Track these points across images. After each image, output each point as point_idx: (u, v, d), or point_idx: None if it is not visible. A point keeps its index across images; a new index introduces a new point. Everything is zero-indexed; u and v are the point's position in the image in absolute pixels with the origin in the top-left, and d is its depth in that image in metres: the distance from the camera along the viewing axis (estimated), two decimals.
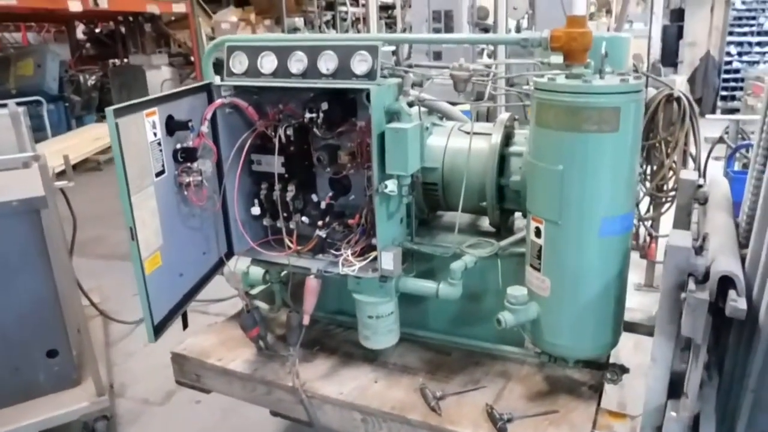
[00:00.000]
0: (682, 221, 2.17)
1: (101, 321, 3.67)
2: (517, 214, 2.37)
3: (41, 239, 2.62)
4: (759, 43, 11.08)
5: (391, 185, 1.92)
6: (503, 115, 2.25)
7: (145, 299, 1.77)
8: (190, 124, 1.93)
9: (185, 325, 2.14)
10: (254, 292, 2.55)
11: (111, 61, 12.66)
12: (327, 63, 1.95)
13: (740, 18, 11.15)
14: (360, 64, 1.90)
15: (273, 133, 2.16)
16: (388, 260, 2.01)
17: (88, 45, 13.09)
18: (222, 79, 2.12)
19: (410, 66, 2.05)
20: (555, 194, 1.77)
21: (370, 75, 1.90)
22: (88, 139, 8.77)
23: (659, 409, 1.67)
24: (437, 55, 4.85)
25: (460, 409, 1.97)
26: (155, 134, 1.82)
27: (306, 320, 2.12)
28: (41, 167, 2.58)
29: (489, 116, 3.54)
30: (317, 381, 2.14)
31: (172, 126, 1.90)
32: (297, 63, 2.00)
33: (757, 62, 10.76)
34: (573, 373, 2.13)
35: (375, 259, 2.07)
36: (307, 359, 2.26)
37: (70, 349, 2.80)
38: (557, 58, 2.00)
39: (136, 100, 1.74)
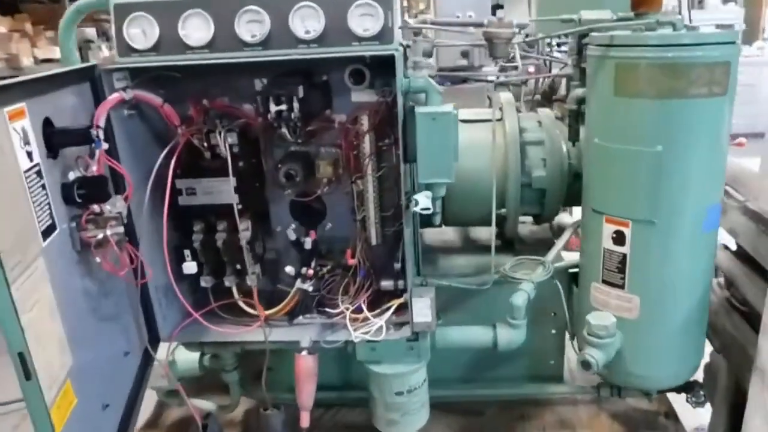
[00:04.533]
0: None
1: None
2: (522, 218, 1.90)
3: None
4: None
5: (423, 200, 1.29)
6: (505, 95, 1.77)
7: None
8: (93, 132, 1.06)
9: None
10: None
11: None
12: (306, 22, 1.25)
13: None
14: (363, 20, 1.24)
15: (204, 144, 1.39)
16: (424, 309, 1.38)
17: None
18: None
19: (424, 22, 1.43)
20: (650, 184, 1.33)
21: (382, 36, 1.25)
22: None
23: None
24: None
25: None
26: (30, 156, 0.94)
27: (305, 421, 1.39)
28: None
29: None
30: None
31: (53, 139, 1.02)
32: (251, 25, 1.26)
33: None
34: (637, 404, 1.74)
35: (389, 310, 1.43)
36: None
37: None
38: (589, 14, 1.58)
39: None
